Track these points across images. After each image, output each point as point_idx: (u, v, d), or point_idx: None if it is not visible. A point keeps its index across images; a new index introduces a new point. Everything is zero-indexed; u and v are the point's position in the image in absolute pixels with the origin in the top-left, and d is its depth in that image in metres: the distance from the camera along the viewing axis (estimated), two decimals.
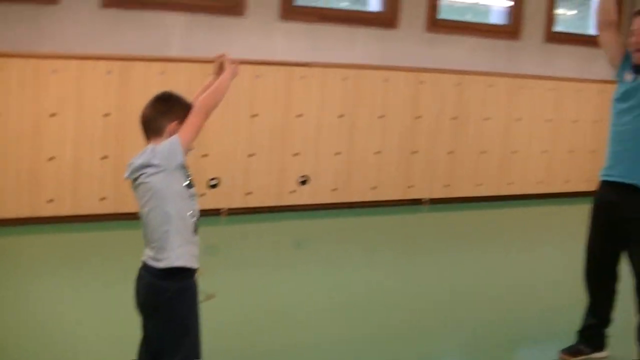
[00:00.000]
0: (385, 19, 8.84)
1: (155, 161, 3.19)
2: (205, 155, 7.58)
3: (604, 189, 4.74)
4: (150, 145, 3.26)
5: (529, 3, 9.82)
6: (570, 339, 5.01)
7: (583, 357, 4.89)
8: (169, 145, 3.21)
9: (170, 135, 3.25)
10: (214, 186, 7.69)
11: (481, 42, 9.57)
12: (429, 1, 9.04)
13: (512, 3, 9.82)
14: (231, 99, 7.34)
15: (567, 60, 10.32)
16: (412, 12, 8.95)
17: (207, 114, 3.32)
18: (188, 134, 3.25)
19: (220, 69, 3.56)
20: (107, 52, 7.16)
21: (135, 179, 3.25)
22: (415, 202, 9.05)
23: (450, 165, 9.22)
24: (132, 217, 7.17)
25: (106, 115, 7.10)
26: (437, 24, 9.18)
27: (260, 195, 7.92)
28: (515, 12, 9.81)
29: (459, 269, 6.94)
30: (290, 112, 8.03)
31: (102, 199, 7.21)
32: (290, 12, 8.17)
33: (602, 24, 4.68)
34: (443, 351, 5.22)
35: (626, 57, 4.60)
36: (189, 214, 3.27)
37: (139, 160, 3.23)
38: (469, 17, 10.15)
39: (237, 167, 7.81)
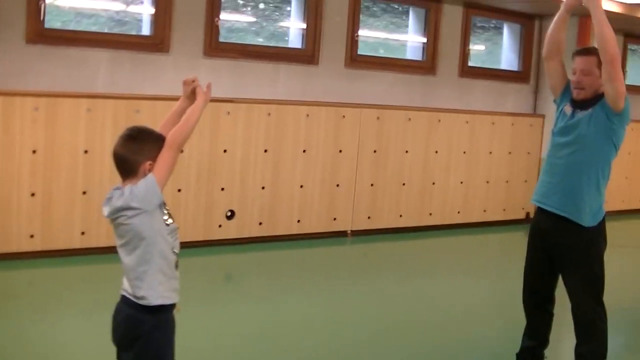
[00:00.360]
0: (306, 56, 9.04)
1: (134, 204, 3.20)
2: None
3: (540, 217, 4.94)
4: (127, 187, 3.25)
5: (443, 39, 10.14)
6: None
7: None
8: (146, 186, 3.22)
9: (144, 174, 3.26)
10: None
11: (399, 77, 9.85)
12: (348, 38, 9.27)
13: (425, 39, 10.14)
14: None
15: (481, 94, 10.70)
16: (332, 48, 9.17)
17: (180, 148, 3.35)
18: (163, 172, 3.27)
19: (192, 94, 3.57)
20: (33, 89, 7.15)
21: (115, 219, 3.27)
22: (340, 234, 9.21)
23: (372, 198, 9.42)
24: (61, 254, 7.20)
25: (34, 152, 7.06)
26: (356, 60, 9.42)
27: (188, 230, 7.95)
28: (431, 48, 10.12)
29: (383, 299, 7.07)
30: (217, 147, 8.11)
31: (31, 236, 7.15)
32: (214, 48, 8.30)
33: (549, 53, 4.92)
34: None
35: (567, 87, 4.86)
36: (171, 250, 3.32)
37: (118, 203, 3.23)
38: (382, 52, 10.41)
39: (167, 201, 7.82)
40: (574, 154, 4.69)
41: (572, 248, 4.72)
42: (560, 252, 4.78)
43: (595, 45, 4.62)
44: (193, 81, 3.58)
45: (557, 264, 4.84)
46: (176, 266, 3.35)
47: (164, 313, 3.30)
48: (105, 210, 3.29)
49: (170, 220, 3.34)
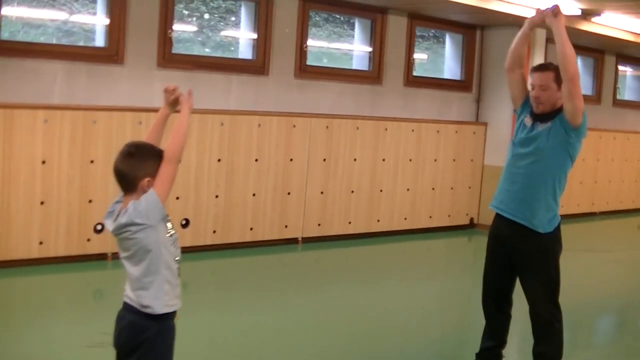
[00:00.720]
0: (257, 67, 9.20)
1: (138, 220, 3.30)
2: (90, 201, 7.68)
3: (498, 223, 5.17)
4: (131, 204, 3.34)
5: (388, 49, 10.39)
6: (465, 355, 5.43)
7: None
8: (148, 203, 3.32)
9: (143, 190, 3.36)
10: (99, 231, 7.78)
11: (347, 87, 10.07)
12: (297, 48, 9.46)
13: (371, 49, 10.38)
14: (114, 145, 7.56)
15: (426, 102, 10.99)
16: (282, 59, 9.36)
17: (178, 160, 3.45)
18: (164, 186, 3.38)
19: (174, 101, 3.68)
20: None
21: (119, 234, 3.38)
22: (291, 242, 9.38)
23: (322, 205, 9.62)
24: (19, 264, 7.25)
25: None
26: (305, 70, 9.62)
27: None
28: (377, 58, 10.36)
29: (335, 305, 7.26)
30: None
31: None
32: (168, 60, 8.42)
33: (511, 66, 5.14)
34: None
35: (527, 99, 5.11)
36: (174, 259, 3.44)
37: (122, 220, 3.33)
38: (326, 62, 10.62)
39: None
40: (533, 164, 4.93)
41: (529, 253, 4.97)
42: (519, 257, 5.02)
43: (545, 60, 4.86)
44: (174, 90, 3.67)
45: (515, 268, 5.08)
46: (178, 274, 3.48)
47: (166, 320, 3.43)
48: (109, 225, 3.41)
49: (172, 231, 3.46)
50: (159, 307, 3.38)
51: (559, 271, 5.01)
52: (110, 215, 3.44)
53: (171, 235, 3.45)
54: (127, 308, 3.44)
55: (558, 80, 4.86)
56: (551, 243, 4.97)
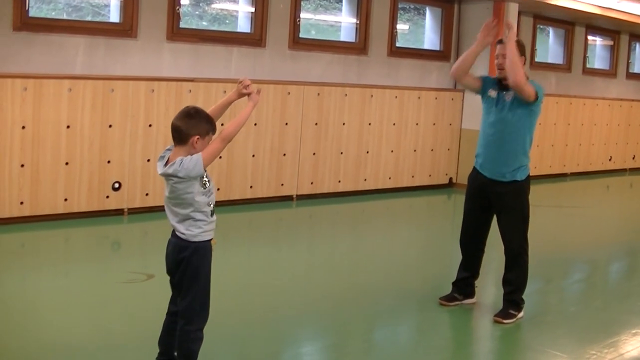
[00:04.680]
0: (254, 39, 10.07)
1: (180, 174, 4.13)
2: (109, 162, 8.55)
3: (477, 173, 6.09)
4: (179, 159, 4.11)
5: (373, 22, 11.29)
6: (444, 291, 6.35)
7: (457, 302, 6.27)
8: (194, 162, 4.09)
9: (192, 145, 4.18)
10: (116, 189, 8.65)
11: (335, 58, 10.98)
12: (290, 22, 10.33)
13: (357, 21, 11.25)
14: (129, 111, 8.44)
15: (408, 71, 11.91)
16: (277, 32, 10.24)
17: (229, 140, 4.22)
18: (210, 155, 4.17)
19: (240, 94, 4.48)
20: (21, 71, 8.04)
21: (166, 179, 4.23)
22: (286, 199, 10.32)
23: (314, 165, 10.55)
24: (47, 219, 8.11)
25: (23, 127, 7.95)
26: (298, 42, 10.51)
27: (156, 195, 8.91)
28: (363, 31, 11.25)
29: (325, 254, 8.23)
30: None
31: (21, 203, 8.05)
32: (176, 34, 9.28)
33: (459, 75, 6.11)
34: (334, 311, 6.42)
35: (484, 82, 6.07)
36: (206, 203, 4.28)
37: (169, 170, 4.16)
38: (314, 34, 11.47)
39: (137, 171, 8.82)
40: (503, 131, 5.89)
41: (505, 195, 5.93)
42: (496, 198, 5.98)
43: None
44: (249, 85, 4.46)
45: (492, 208, 6.04)
46: (212, 214, 4.35)
47: (201, 243, 4.33)
48: (159, 168, 4.28)
49: (209, 183, 4.31)
50: (192, 236, 4.26)
51: (529, 211, 6.00)
52: (161, 159, 4.29)
53: (205, 187, 4.27)
54: (173, 235, 4.36)
55: (518, 50, 5.81)
56: (524, 187, 5.96)
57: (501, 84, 5.95)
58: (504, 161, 5.90)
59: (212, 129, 4.28)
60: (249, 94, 4.47)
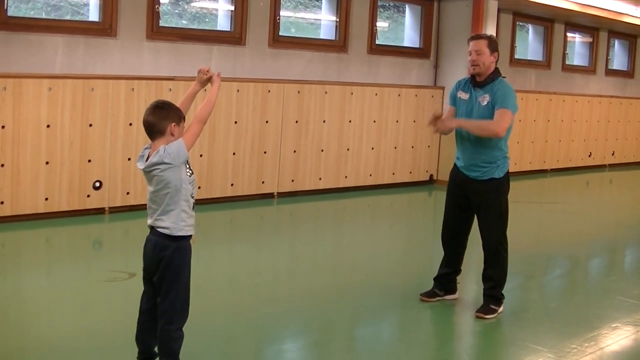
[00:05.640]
0: (234, 37, 10.07)
1: (166, 160, 4.18)
2: (89, 161, 8.53)
3: (457, 170, 6.12)
4: (162, 147, 4.21)
5: (353, 19, 11.31)
6: (425, 287, 6.38)
7: (438, 298, 6.31)
8: (177, 147, 4.20)
9: (171, 133, 4.25)
10: (97, 188, 8.63)
11: (315, 55, 10.99)
12: (270, 20, 10.33)
13: (337, 19, 11.27)
14: (110, 110, 8.42)
15: (388, 69, 11.94)
16: (257, 30, 10.25)
17: (205, 121, 4.31)
18: (190, 138, 4.26)
19: (206, 81, 4.53)
20: (0, 71, 8.00)
21: (150, 171, 4.25)
22: (267, 196, 10.32)
23: (295, 163, 10.56)
24: (28, 218, 8.09)
25: (3, 127, 7.91)
26: (278, 40, 10.52)
27: (137, 194, 8.89)
28: (342, 28, 11.27)
29: (306, 251, 8.25)
30: None
31: (1, 202, 8.01)
32: (155, 32, 9.27)
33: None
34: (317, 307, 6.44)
35: (454, 92, 6.10)
36: (190, 195, 4.33)
37: (154, 159, 4.20)
38: (293, 32, 11.47)
39: (118, 170, 8.80)
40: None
41: (485, 192, 5.96)
42: (475, 196, 6.00)
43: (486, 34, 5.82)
44: (208, 71, 4.52)
45: (471, 205, 6.05)
46: (193, 207, 4.39)
47: (182, 241, 4.35)
48: (140, 165, 4.30)
49: (190, 173, 4.36)
50: (176, 230, 4.29)
51: (508, 207, 6.03)
52: (141, 158, 4.33)
53: (190, 176, 4.34)
54: (153, 232, 4.36)
55: (490, 47, 5.87)
56: (502, 184, 5.98)
57: (474, 81, 5.98)
58: (479, 158, 5.92)
59: (183, 116, 4.35)
60: (210, 79, 4.52)
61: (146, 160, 4.27)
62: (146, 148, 4.37)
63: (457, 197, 6.16)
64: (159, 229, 4.32)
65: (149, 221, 4.38)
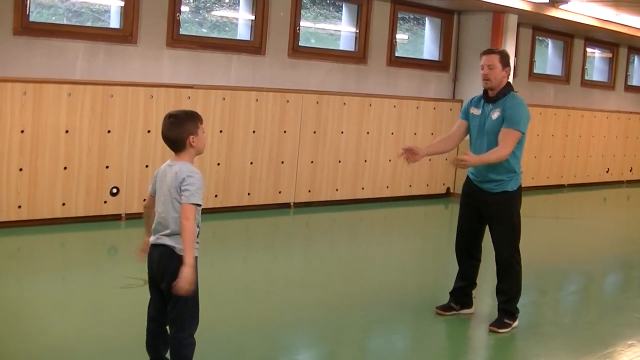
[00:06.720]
0: (254, 47, 10.11)
1: (183, 187, 4.19)
2: (107, 167, 8.57)
3: (470, 182, 6.14)
4: (183, 175, 4.20)
5: (373, 31, 11.33)
6: (440, 300, 6.37)
7: (454, 312, 6.29)
8: (197, 184, 4.20)
9: (190, 146, 4.28)
10: (114, 194, 8.67)
11: (335, 66, 11.02)
12: (290, 30, 10.37)
13: (357, 31, 11.29)
14: (128, 117, 8.46)
15: (407, 81, 11.96)
16: (277, 40, 10.27)
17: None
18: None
19: None
20: (21, 76, 8.06)
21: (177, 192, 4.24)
22: (284, 206, 10.33)
23: (312, 173, 10.57)
24: (44, 223, 8.12)
25: (22, 131, 7.96)
26: (298, 51, 10.55)
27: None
28: (362, 40, 11.29)
29: (322, 262, 8.22)
30: None
31: (19, 206, 8.06)
32: (176, 40, 9.31)
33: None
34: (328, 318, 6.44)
35: (466, 109, 6.12)
36: (198, 222, 4.30)
37: (174, 183, 4.22)
38: (313, 42, 11.52)
39: (135, 176, 8.83)
40: (489, 145, 5.90)
41: (496, 205, 5.95)
42: (487, 209, 6.00)
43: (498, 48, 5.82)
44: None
45: (485, 218, 6.05)
46: (198, 234, 4.33)
47: None
48: (158, 183, 4.34)
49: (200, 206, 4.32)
50: (180, 250, 4.23)
51: (520, 221, 6.01)
52: (162, 177, 4.34)
53: (199, 207, 4.29)
54: (156, 245, 4.33)
55: (502, 61, 5.88)
56: (515, 198, 5.97)
57: (487, 96, 5.99)
58: (492, 172, 5.91)
59: (199, 119, 4.38)
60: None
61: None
62: (168, 165, 4.36)
63: (469, 208, 6.16)
64: (166, 244, 4.31)
65: (152, 240, 4.37)
